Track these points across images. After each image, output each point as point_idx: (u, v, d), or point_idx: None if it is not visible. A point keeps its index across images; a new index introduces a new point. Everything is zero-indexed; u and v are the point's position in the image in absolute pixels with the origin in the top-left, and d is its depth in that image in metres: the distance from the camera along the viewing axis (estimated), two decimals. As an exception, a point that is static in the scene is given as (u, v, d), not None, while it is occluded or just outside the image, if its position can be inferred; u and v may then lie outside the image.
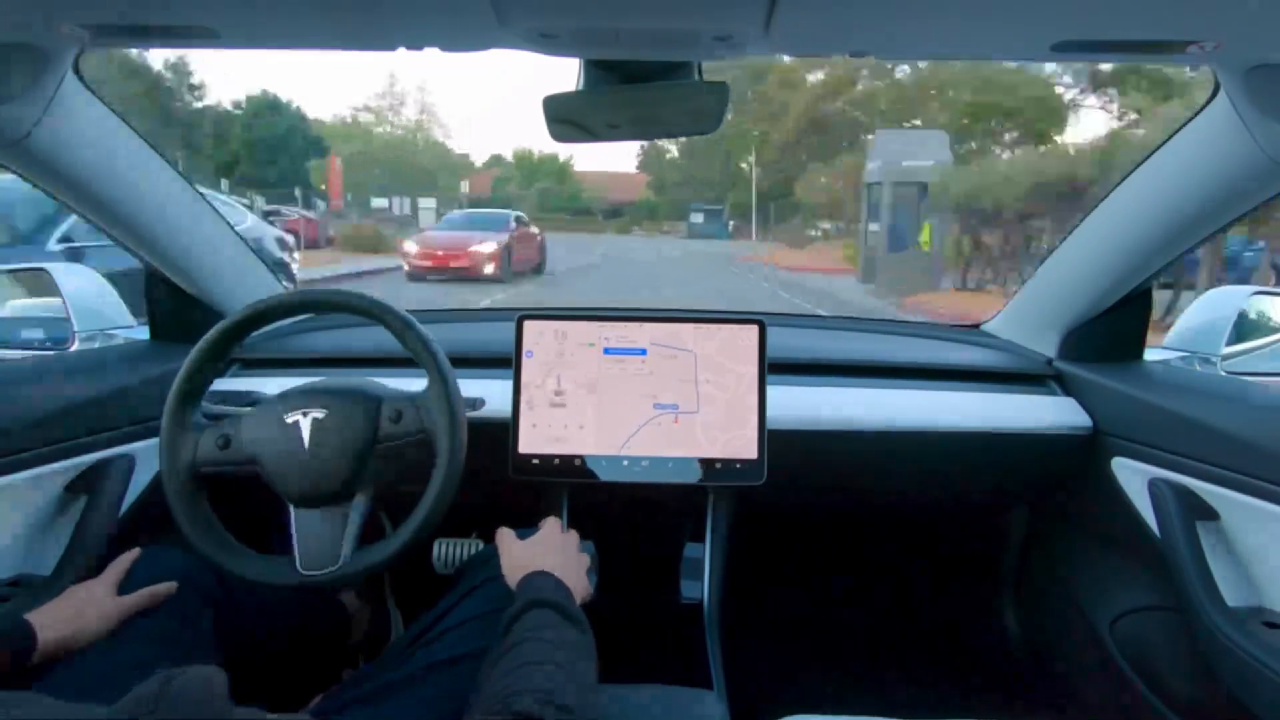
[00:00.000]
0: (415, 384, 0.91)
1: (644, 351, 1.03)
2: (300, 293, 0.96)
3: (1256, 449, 0.84)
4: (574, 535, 0.87)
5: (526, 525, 0.88)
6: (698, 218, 26.26)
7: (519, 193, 30.96)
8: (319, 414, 0.85)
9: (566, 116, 0.82)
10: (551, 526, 0.86)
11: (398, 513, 0.90)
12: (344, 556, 0.83)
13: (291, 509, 0.86)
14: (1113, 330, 1.14)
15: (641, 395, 1.02)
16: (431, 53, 0.68)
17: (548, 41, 0.67)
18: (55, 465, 0.91)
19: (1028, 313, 1.28)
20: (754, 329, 1.03)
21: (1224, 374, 1.24)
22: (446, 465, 0.84)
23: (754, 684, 1.02)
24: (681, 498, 1.10)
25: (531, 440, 1.01)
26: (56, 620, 0.73)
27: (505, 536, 0.84)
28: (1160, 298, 6.30)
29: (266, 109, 24.02)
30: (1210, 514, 0.89)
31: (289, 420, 0.85)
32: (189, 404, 0.88)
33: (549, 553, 0.80)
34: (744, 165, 26.30)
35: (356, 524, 0.85)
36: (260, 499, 0.86)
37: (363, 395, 0.88)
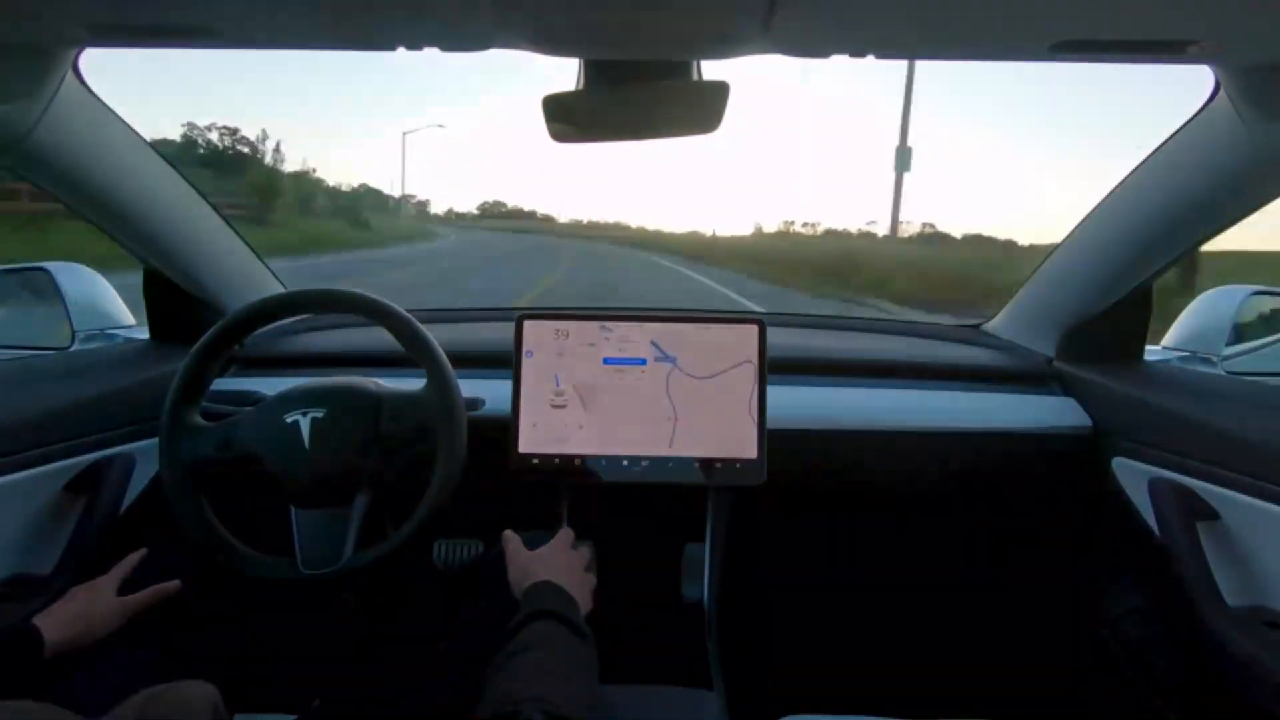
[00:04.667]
0: (415, 383, 0.91)
1: (644, 361, 1.03)
2: (299, 292, 0.96)
3: (1256, 449, 0.84)
4: (584, 551, 0.86)
5: (527, 525, 0.88)
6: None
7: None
8: (319, 414, 0.86)
9: (566, 117, 0.82)
10: (564, 539, 0.86)
11: (397, 512, 0.90)
12: (345, 554, 0.83)
13: (293, 508, 0.86)
14: (1113, 330, 1.14)
15: (641, 395, 1.02)
16: (431, 53, 0.68)
17: (547, 41, 0.67)
18: (55, 465, 0.91)
19: (1028, 312, 1.28)
20: (754, 328, 1.03)
21: (1224, 374, 1.24)
22: (446, 463, 0.84)
23: (754, 684, 1.02)
24: (681, 498, 1.10)
25: (531, 440, 1.01)
26: (62, 622, 0.73)
27: (513, 542, 0.84)
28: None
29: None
30: (1210, 514, 0.89)
31: (289, 420, 0.86)
32: (188, 404, 0.89)
33: (557, 565, 0.79)
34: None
35: (357, 522, 0.85)
36: (262, 498, 0.87)
37: (362, 394, 0.88)
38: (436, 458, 0.85)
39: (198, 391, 0.91)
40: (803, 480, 1.13)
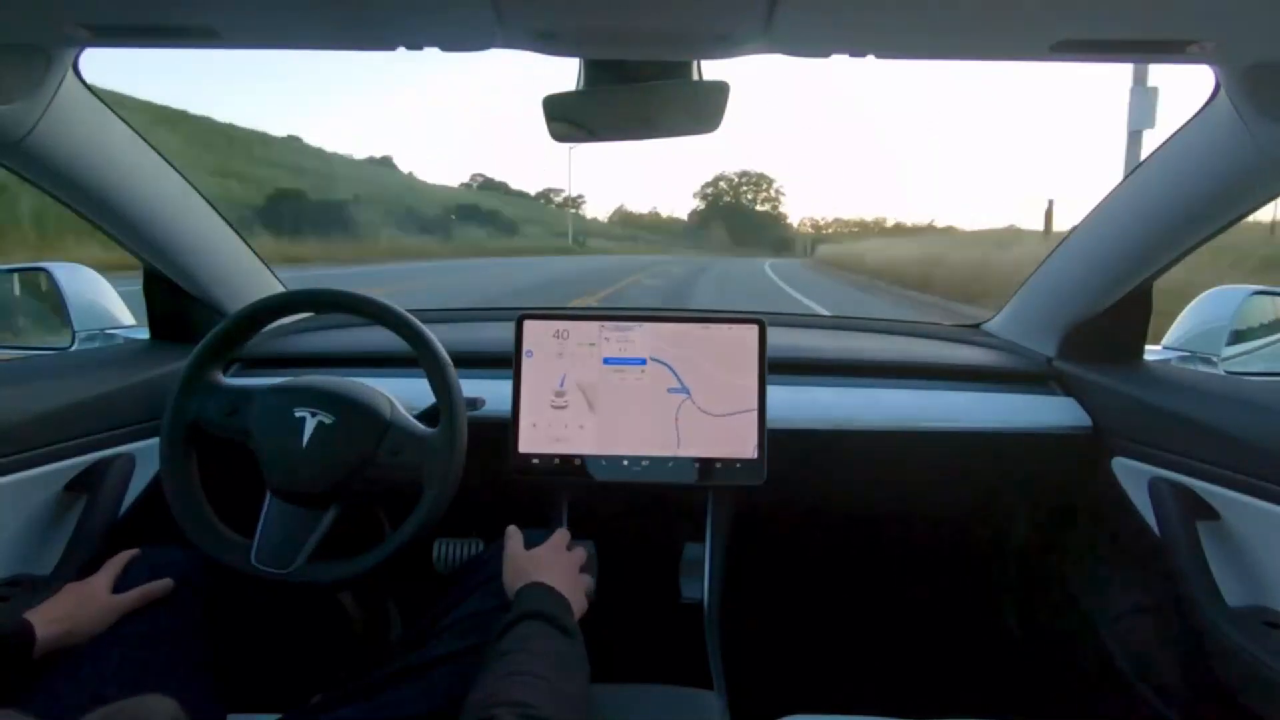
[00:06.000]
0: (416, 384, 0.91)
1: (643, 361, 1.03)
2: (302, 292, 0.96)
3: (1256, 449, 0.84)
4: (580, 552, 0.86)
5: (527, 525, 0.88)
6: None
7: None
8: (326, 419, 0.85)
9: (566, 116, 0.82)
10: (559, 539, 0.86)
11: (395, 516, 0.90)
12: (296, 563, 0.83)
13: (269, 497, 0.86)
14: (1112, 330, 1.13)
15: (641, 395, 1.02)
16: (431, 53, 0.68)
17: (547, 41, 0.67)
18: (55, 465, 0.91)
19: (1028, 312, 1.28)
20: (754, 328, 1.03)
21: (1224, 374, 1.24)
22: (425, 513, 0.84)
23: (754, 684, 1.02)
24: (681, 498, 1.10)
25: (531, 440, 1.01)
26: (53, 618, 0.73)
27: (513, 538, 0.84)
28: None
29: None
30: (1210, 514, 0.89)
31: (296, 415, 0.86)
32: (212, 365, 0.90)
33: (552, 566, 0.79)
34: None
35: (319, 535, 0.85)
36: (247, 475, 0.87)
37: (373, 416, 0.87)
38: (418, 505, 0.84)
39: (222, 356, 0.93)
40: (803, 480, 1.13)
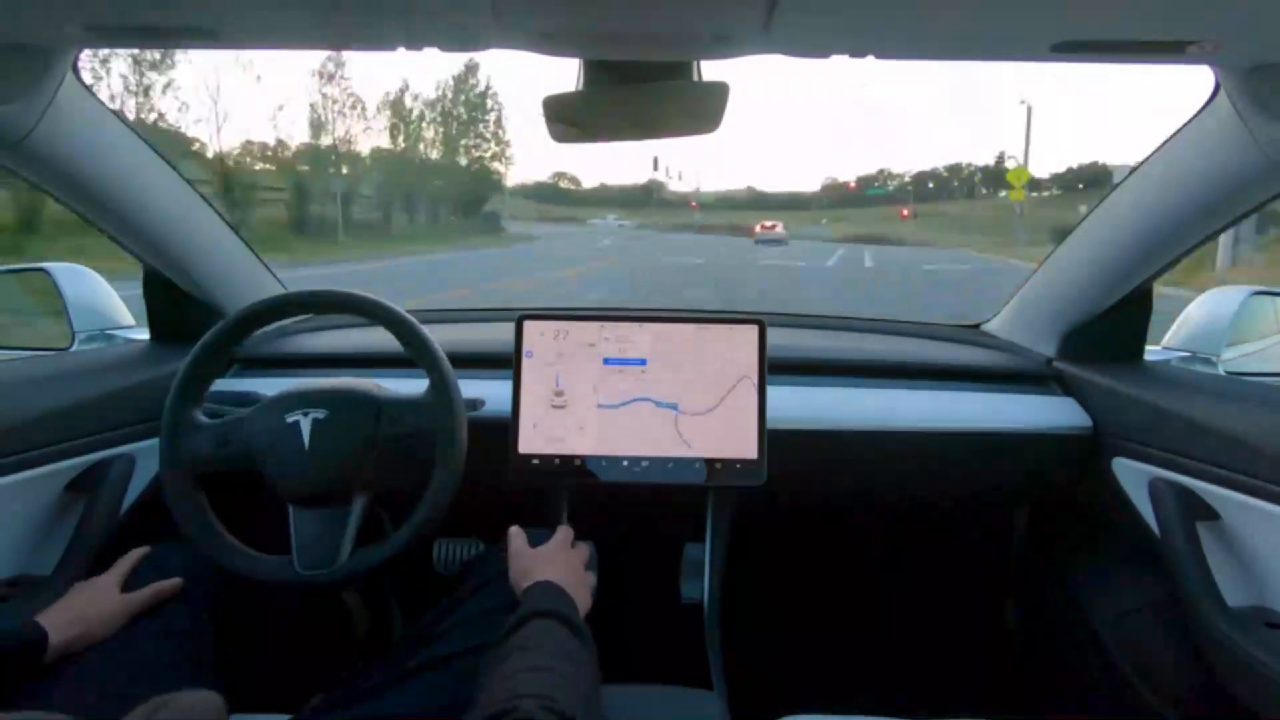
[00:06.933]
0: (417, 384, 0.91)
1: (643, 362, 1.03)
2: (300, 293, 0.96)
3: (1256, 449, 0.84)
4: (584, 550, 0.86)
5: (528, 525, 0.88)
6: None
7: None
8: (320, 415, 0.86)
9: (566, 117, 0.82)
10: (563, 536, 0.86)
11: (396, 514, 0.90)
12: (342, 557, 0.83)
13: (291, 509, 0.86)
14: (1113, 330, 1.13)
15: (641, 396, 1.02)
16: (431, 53, 0.68)
17: (547, 41, 0.67)
18: (55, 465, 0.91)
19: (1028, 313, 1.28)
20: (754, 329, 1.03)
21: (1224, 374, 1.24)
22: (446, 464, 0.84)
23: (754, 684, 1.02)
24: (681, 498, 1.10)
25: (531, 440, 1.01)
26: (64, 620, 0.73)
27: (517, 538, 0.84)
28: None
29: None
30: (1210, 514, 0.89)
31: (290, 420, 0.86)
32: (189, 402, 0.89)
33: (556, 564, 0.79)
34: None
35: (354, 525, 0.85)
36: (263, 497, 0.87)
37: (363, 397, 0.88)
38: (436, 461, 0.85)
39: (199, 390, 0.91)
40: (803, 480, 1.13)
